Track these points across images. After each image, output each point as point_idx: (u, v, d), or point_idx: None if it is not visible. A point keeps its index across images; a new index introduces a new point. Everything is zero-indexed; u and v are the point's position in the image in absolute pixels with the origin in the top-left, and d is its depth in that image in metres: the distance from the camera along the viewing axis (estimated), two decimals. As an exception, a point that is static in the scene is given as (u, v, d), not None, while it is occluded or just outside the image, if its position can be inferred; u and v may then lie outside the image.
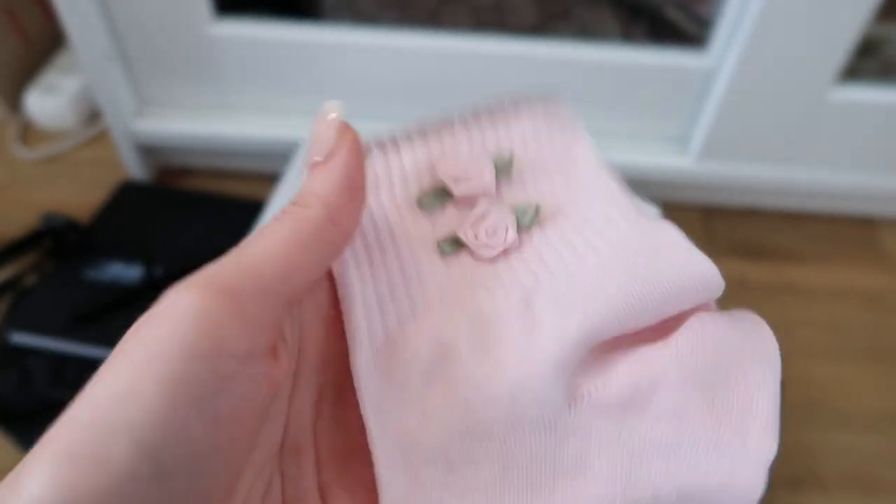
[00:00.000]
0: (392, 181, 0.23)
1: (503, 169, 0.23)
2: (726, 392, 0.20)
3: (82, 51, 0.68)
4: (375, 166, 0.23)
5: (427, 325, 0.21)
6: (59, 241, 0.69)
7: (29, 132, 0.86)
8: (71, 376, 0.59)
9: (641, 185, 0.72)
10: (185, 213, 0.74)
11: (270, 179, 0.77)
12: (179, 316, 0.16)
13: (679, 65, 0.68)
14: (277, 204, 0.66)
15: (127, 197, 0.76)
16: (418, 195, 0.23)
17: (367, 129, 0.22)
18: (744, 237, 0.79)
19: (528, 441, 0.20)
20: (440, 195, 0.23)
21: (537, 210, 0.23)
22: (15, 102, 0.86)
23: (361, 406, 0.20)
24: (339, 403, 0.22)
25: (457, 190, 0.23)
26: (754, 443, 0.20)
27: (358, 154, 0.20)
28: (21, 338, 0.61)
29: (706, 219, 0.81)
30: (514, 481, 0.20)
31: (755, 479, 0.20)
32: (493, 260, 0.22)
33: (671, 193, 0.78)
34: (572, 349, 0.20)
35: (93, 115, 0.87)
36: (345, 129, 0.20)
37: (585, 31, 0.82)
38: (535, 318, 0.21)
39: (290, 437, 0.21)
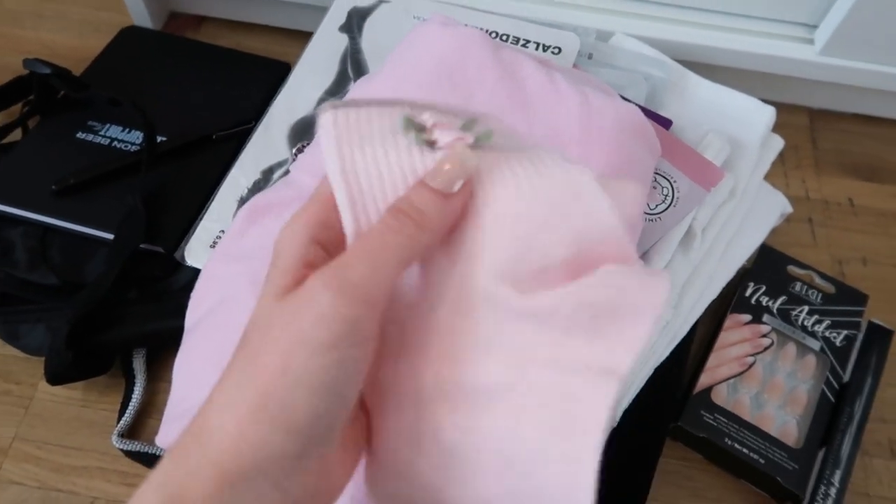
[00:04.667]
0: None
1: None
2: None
3: None
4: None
5: None
6: (45, 93, 0.58)
7: (18, -43, 0.73)
8: (55, 256, 0.50)
9: (758, 78, 0.62)
10: (196, 69, 0.62)
11: (297, 36, 0.68)
12: (320, 313, 0.21)
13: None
14: (309, 64, 0.54)
15: (129, 45, 0.64)
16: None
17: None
18: (853, 151, 0.67)
19: None
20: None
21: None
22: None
23: None
24: None
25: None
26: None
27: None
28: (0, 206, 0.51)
29: (813, 125, 0.68)
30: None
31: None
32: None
33: (784, 89, 0.67)
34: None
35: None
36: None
37: None
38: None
39: None
